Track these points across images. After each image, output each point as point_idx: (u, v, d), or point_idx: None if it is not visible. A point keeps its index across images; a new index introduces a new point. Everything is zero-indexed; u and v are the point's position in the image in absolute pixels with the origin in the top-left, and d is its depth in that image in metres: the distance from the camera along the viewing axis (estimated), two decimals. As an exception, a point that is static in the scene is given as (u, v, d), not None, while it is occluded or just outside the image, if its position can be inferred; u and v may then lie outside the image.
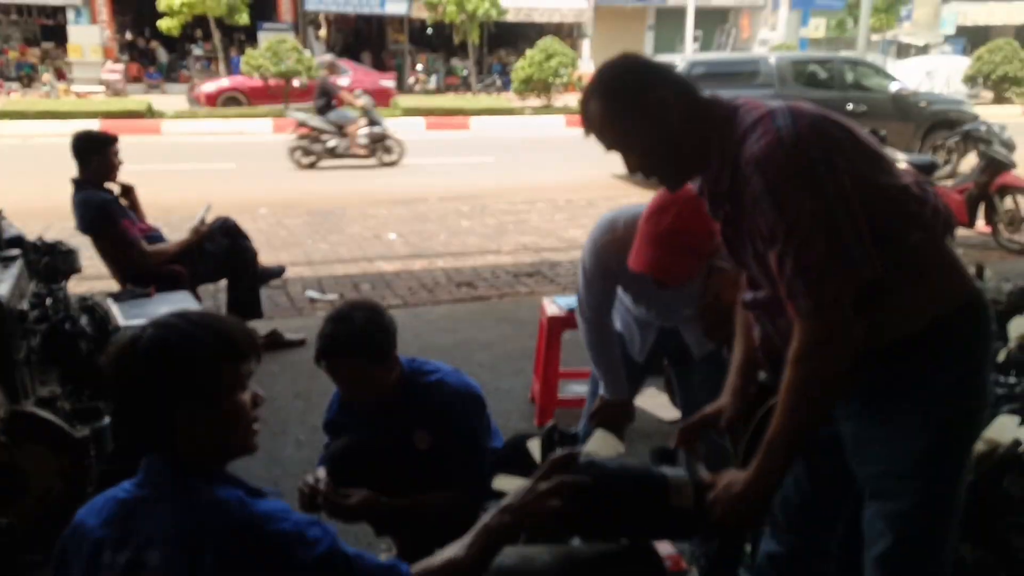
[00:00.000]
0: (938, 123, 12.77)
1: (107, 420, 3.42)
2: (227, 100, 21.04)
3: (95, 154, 4.82)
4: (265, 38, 21.79)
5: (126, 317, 3.94)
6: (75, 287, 4.26)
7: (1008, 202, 8.03)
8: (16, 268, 3.36)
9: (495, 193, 11.39)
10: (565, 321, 4.43)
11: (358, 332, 2.60)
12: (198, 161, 13.70)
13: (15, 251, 3.51)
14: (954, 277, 1.85)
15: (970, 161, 9.44)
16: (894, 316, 1.79)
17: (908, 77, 15.33)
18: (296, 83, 19.80)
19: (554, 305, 4.63)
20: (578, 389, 4.46)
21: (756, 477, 1.75)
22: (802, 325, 1.71)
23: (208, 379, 1.57)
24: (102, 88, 22.62)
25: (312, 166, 13.15)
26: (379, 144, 13.33)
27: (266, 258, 5.97)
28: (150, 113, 18.36)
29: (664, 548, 2.87)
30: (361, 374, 2.67)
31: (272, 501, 1.59)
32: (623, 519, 1.79)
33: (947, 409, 1.82)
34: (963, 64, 25.98)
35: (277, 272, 5.76)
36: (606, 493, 1.76)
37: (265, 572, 1.50)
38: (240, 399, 1.63)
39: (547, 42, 22.64)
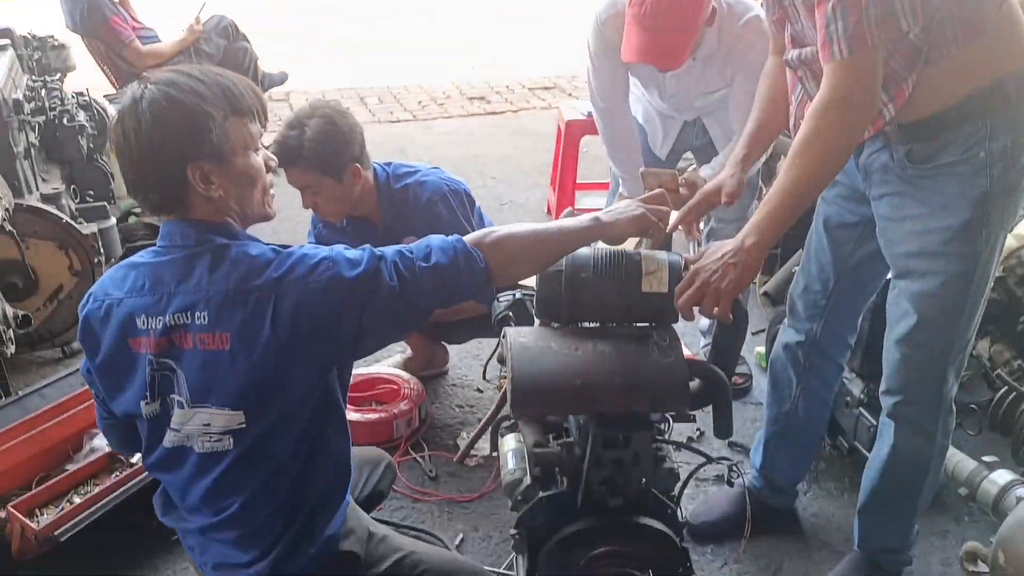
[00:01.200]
0: None
1: (113, 220, 3.38)
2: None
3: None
4: None
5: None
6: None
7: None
8: (7, 58, 3.19)
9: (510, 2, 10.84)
10: (584, 126, 4.26)
11: (306, 143, 2.42)
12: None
13: (4, 41, 3.33)
14: (1013, 38, 1.70)
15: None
16: (945, 78, 1.67)
17: None
18: None
19: (573, 110, 4.44)
20: (596, 201, 4.35)
21: (745, 236, 1.65)
22: (831, 73, 1.60)
23: (218, 134, 1.47)
24: None
25: None
26: None
27: (268, 68, 5.73)
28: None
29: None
30: (316, 186, 2.53)
31: (299, 246, 1.54)
32: (597, 304, 1.73)
33: (987, 182, 1.71)
34: None
35: (279, 79, 5.54)
36: (578, 276, 1.69)
37: (324, 298, 1.46)
38: (253, 160, 1.54)
39: None
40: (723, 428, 1.82)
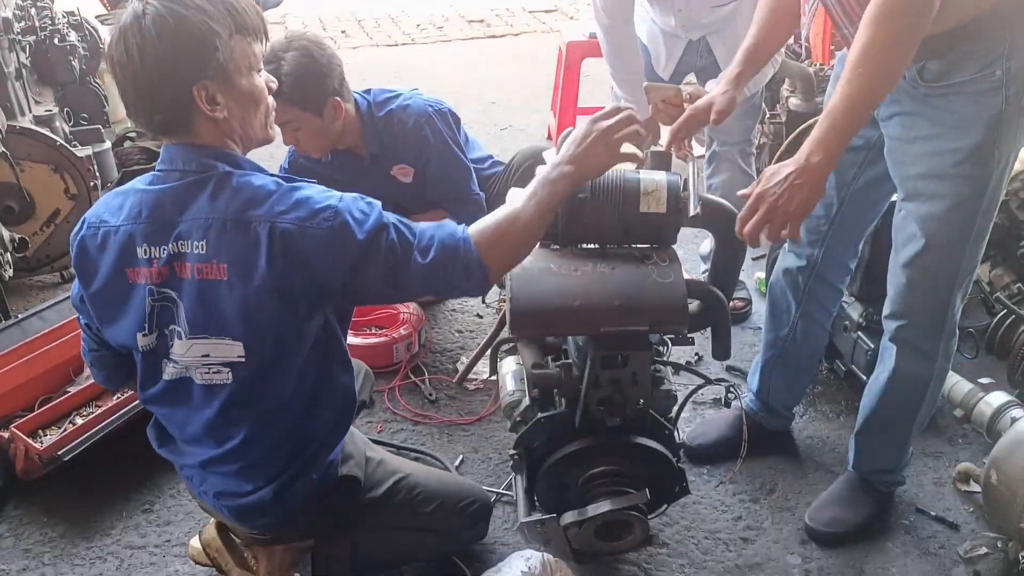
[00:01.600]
0: None
1: (108, 144, 3.34)
2: None
3: None
4: None
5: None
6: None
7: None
8: (-8, -27, 3.11)
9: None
10: (585, 48, 4.18)
11: (284, 78, 2.33)
12: None
13: (-10, -43, 3.24)
14: None
15: None
16: None
17: None
18: None
19: (575, 31, 4.35)
20: (596, 125, 4.30)
21: (809, 154, 1.58)
22: None
23: (224, 53, 1.42)
24: None
25: None
26: None
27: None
28: None
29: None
30: (296, 122, 2.46)
31: (310, 184, 1.51)
32: (596, 225, 1.72)
33: (1002, 102, 1.66)
34: None
35: (274, 1, 5.40)
36: (575, 197, 1.66)
37: (318, 249, 1.43)
38: (256, 80, 1.50)
39: None
40: (721, 349, 1.82)
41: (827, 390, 2.70)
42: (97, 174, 3.14)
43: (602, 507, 1.73)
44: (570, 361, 1.80)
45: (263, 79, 1.53)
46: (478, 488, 2.03)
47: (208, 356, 1.50)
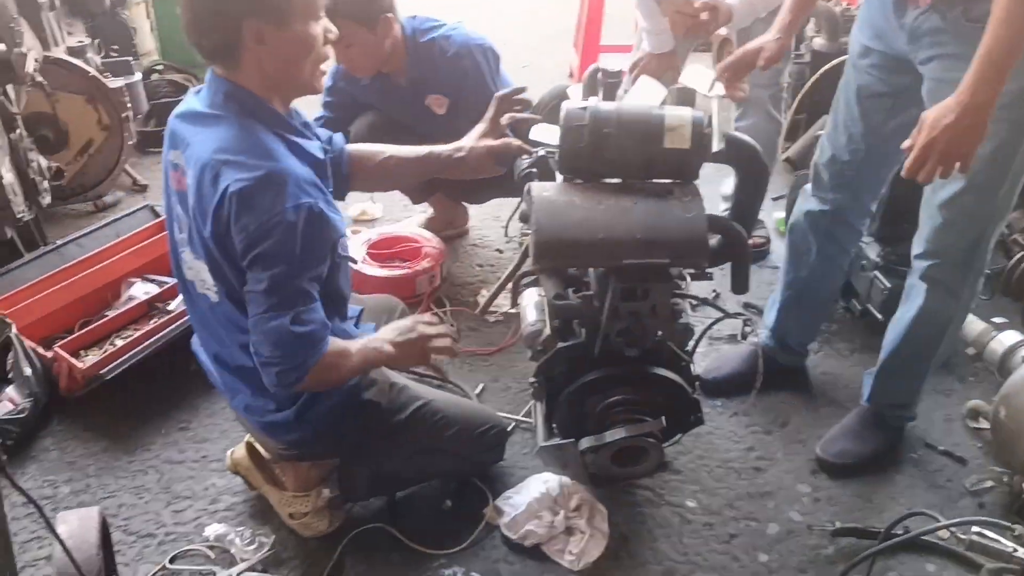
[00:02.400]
0: None
1: (138, 76, 3.38)
2: None
3: None
4: None
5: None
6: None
7: None
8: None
9: None
10: (610, -16, 4.15)
11: None
12: None
13: None
14: None
15: None
16: None
17: None
18: None
19: (599, -33, 4.31)
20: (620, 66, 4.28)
21: (974, 94, 1.57)
22: None
23: None
24: None
25: None
26: None
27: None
28: None
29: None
30: (350, 38, 2.48)
31: (304, 170, 1.55)
32: (620, 159, 1.74)
33: None
34: None
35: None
36: (600, 131, 1.69)
37: (249, 242, 1.49)
38: (312, 28, 1.54)
39: None
40: (740, 284, 1.87)
41: (842, 328, 2.75)
42: (129, 105, 3.19)
43: (618, 434, 1.80)
44: (591, 293, 1.85)
45: (320, 27, 1.56)
46: (495, 414, 2.11)
47: (199, 272, 1.62)
